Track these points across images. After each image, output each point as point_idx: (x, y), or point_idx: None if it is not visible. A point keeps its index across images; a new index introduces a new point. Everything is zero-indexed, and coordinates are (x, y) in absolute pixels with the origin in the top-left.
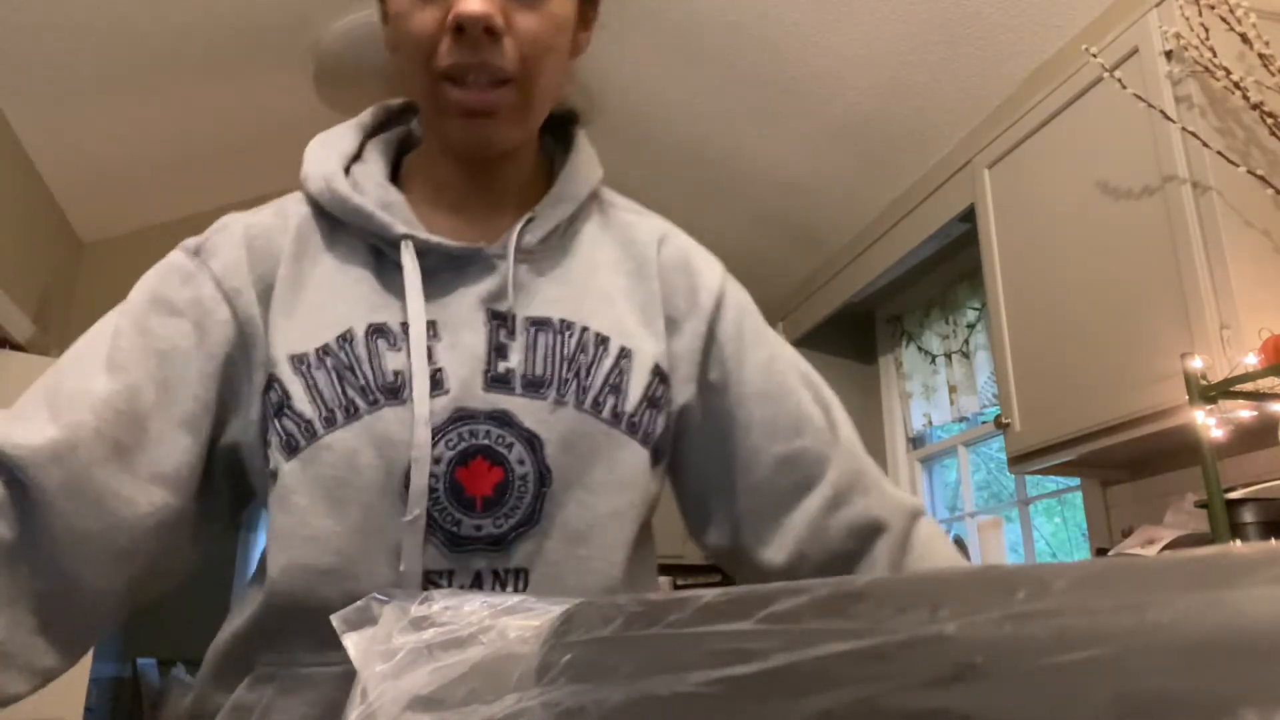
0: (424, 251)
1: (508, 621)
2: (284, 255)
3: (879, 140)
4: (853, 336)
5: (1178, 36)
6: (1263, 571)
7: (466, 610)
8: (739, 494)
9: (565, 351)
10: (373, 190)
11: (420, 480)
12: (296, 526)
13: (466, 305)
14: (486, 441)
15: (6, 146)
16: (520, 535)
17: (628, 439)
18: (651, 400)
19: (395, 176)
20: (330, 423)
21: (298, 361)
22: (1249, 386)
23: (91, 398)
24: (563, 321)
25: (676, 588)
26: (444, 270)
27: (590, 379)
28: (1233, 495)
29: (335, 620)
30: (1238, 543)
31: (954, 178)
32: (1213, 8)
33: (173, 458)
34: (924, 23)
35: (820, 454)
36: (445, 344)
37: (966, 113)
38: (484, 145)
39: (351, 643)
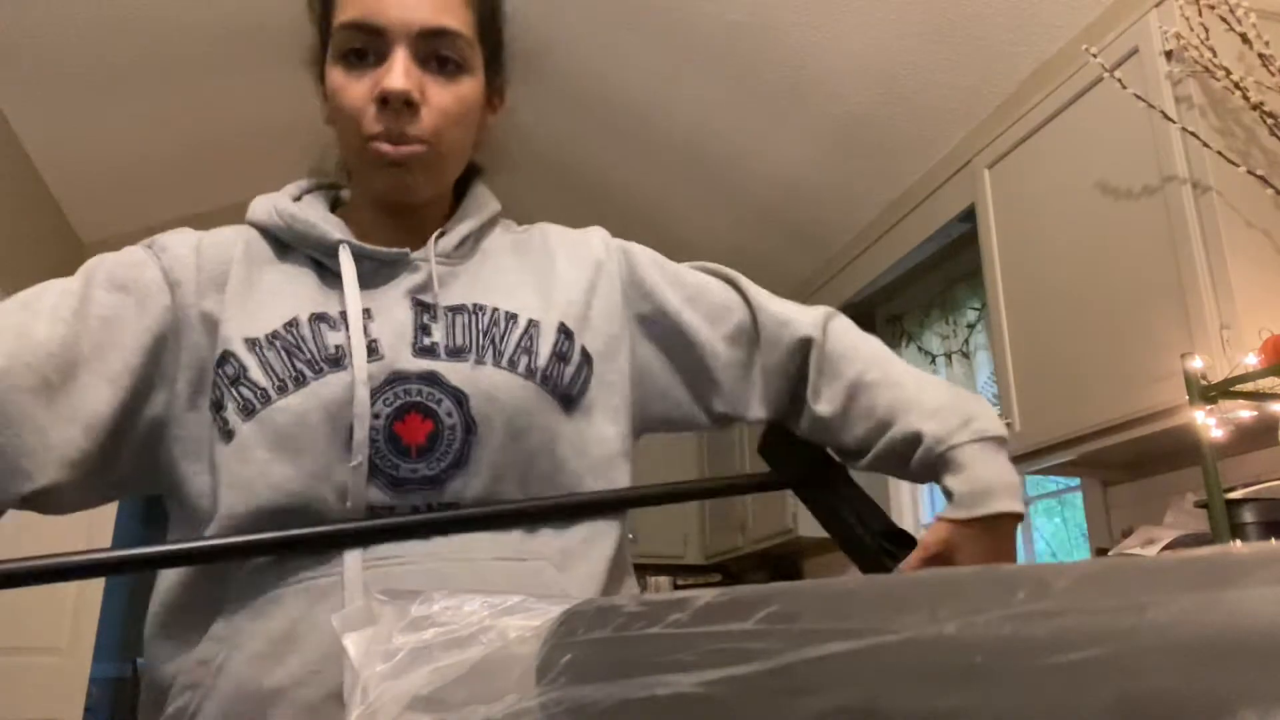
0: (358, 256)
1: (508, 621)
2: (235, 264)
3: (879, 140)
4: None
5: (1178, 36)
6: (1263, 571)
7: (466, 610)
8: (717, 379)
9: (481, 326)
10: (316, 214)
11: (361, 433)
12: (256, 476)
13: (394, 296)
14: (419, 399)
15: (6, 146)
16: (451, 475)
17: (539, 390)
18: (560, 355)
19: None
20: (282, 390)
21: (251, 343)
22: (1249, 386)
23: (29, 339)
24: (476, 305)
25: (676, 588)
26: (375, 273)
27: (504, 344)
28: (1233, 495)
29: (335, 620)
30: (1238, 543)
31: (954, 178)
32: (1213, 8)
33: (91, 405)
34: (924, 23)
35: (745, 319)
36: (378, 324)
37: (966, 113)
38: (405, 192)
39: (352, 643)
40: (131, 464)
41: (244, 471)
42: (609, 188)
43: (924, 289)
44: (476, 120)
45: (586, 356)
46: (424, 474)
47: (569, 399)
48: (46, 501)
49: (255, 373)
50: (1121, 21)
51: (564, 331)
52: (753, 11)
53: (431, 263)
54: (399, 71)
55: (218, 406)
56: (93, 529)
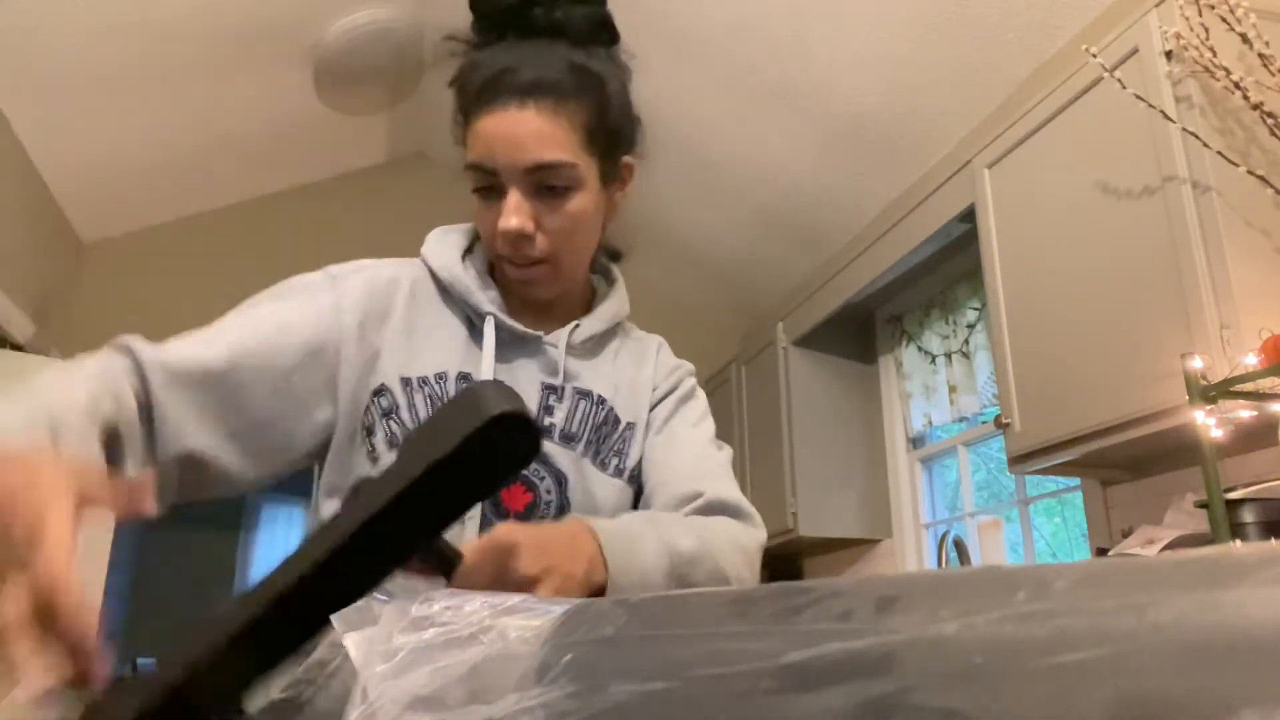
0: (500, 327)
1: (508, 621)
2: (399, 303)
3: (879, 140)
4: (853, 336)
5: (1178, 36)
6: (1263, 571)
7: (467, 610)
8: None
9: (596, 419)
10: (475, 278)
11: None
12: None
13: (525, 374)
14: (525, 472)
15: (6, 146)
16: None
17: (625, 488)
18: (643, 457)
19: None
20: None
21: (405, 382)
22: (1249, 386)
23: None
24: (599, 396)
25: None
26: (512, 345)
27: (604, 444)
28: (1233, 495)
29: (335, 620)
30: (1238, 543)
31: (954, 178)
32: (1213, 8)
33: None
34: (924, 23)
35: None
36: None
37: (966, 113)
38: (532, 298)
39: (352, 643)
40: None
41: None
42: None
43: (924, 289)
44: (597, 221)
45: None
46: None
47: (640, 495)
48: (256, 482)
49: (404, 411)
50: (1121, 21)
51: (645, 437)
52: (753, 11)
53: (561, 349)
54: (510, 211)
55: (369, 432)
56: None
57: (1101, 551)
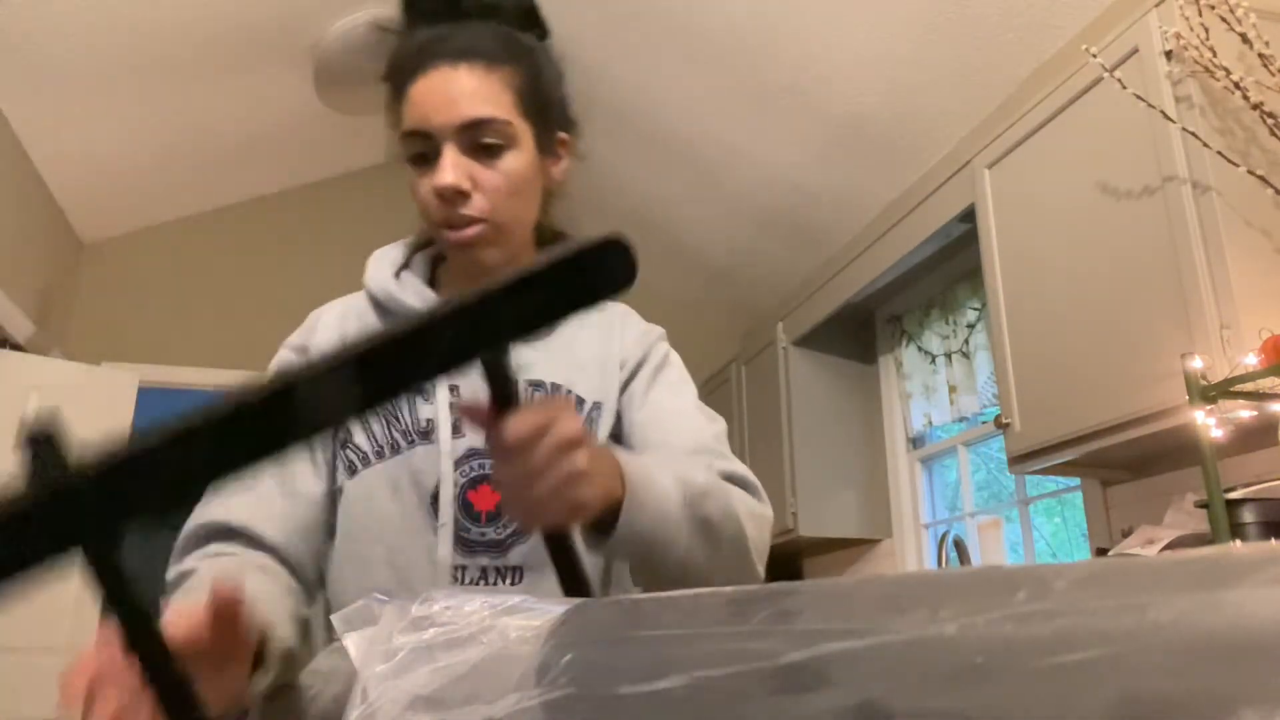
0: None
1: (508, 621)
2: (348, 332)
3: (879, 140)
4: (853, 336)
5: (1178, 36)
6: (1263, 571)
7: (467, 610)
8: None
9: None
10: (412, 291)
11: (447, 497)
12: (358, 529)
13: (476, 372)
14: (489, 472)
15: (6, 146)
16: (515, 542)
17: None
18: (614, 436)
19: (433, 280)
20: (380, 455)
21: None
22: (1249, 386)
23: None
24: (553, 385)
25: None
26: None
27: None
28: (1233, 495)
29: (336, 620)
30: (1238, 543)
31: (954, 178)
32: (1213, 8)
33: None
34: (924, 23)
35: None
36: (462, 400)
37: (966, 113)
38: (478, 268)
39: (352, 643)
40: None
41: (349, 525)
42: (608, 189)
43: (924, 289)
44: (534, 186)
45: (620, 439)
46: (491, 538)
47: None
48: None
49: (359, 437)
50: (1121, 21)
51: (616, 415)
52: (753, 11)
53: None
54: (446, 167)
55: (331, 463)
56: None
57: (1101, 551)
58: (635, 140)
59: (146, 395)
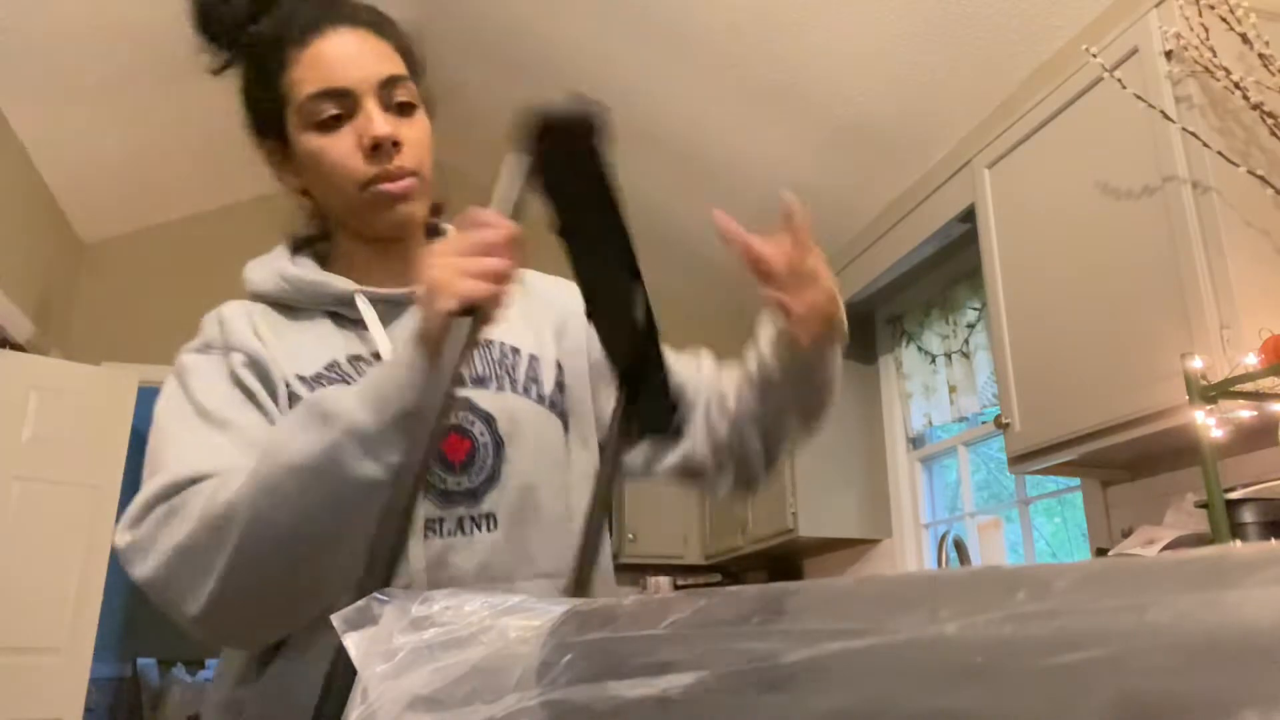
0: (372, 300)
1: (508, 621)
2: (257, 322)
3: (879, 140)
4: (853, 336)
5: (1178, 36)
6: (1263, 571)
7: (467, 610)
8: None
9: (493, 357)
10: (317, 273)
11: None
12: None
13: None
14: (458, 422)
15: (6, 146)
16: (488, 489)
17: (549, 414)
18: (558, 384)
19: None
20: None
21: (302, 380)
22: (1249, 386)
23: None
24: (485, 340)
25: (676, 588)
26: (388, 314)
27: (516, 374)
28: (1233, 495)
29: (336, 620)
30: (1238, 543)
31: (954, 178)
32: (1213, 8)
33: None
34: (924, 23)
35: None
36: None
37: (966, 113)
38: (407, 221)
39: (352, 643)
40: None
41: None
42: None
43: (924, 289)
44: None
45: (567, 388)
46: (466, 486)
47: (565, 423)
48: None
49: (319, 387)
50: (1121, 21)
51: (558, 365)
52: (753, 11)
53: None
54: (380, 119)
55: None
56: (95, 526)
57: (1101, 551)
58: (635, 141)
59: (147, 395)
